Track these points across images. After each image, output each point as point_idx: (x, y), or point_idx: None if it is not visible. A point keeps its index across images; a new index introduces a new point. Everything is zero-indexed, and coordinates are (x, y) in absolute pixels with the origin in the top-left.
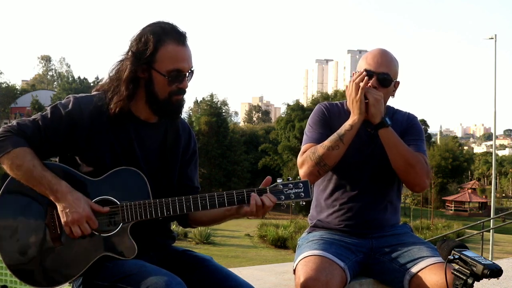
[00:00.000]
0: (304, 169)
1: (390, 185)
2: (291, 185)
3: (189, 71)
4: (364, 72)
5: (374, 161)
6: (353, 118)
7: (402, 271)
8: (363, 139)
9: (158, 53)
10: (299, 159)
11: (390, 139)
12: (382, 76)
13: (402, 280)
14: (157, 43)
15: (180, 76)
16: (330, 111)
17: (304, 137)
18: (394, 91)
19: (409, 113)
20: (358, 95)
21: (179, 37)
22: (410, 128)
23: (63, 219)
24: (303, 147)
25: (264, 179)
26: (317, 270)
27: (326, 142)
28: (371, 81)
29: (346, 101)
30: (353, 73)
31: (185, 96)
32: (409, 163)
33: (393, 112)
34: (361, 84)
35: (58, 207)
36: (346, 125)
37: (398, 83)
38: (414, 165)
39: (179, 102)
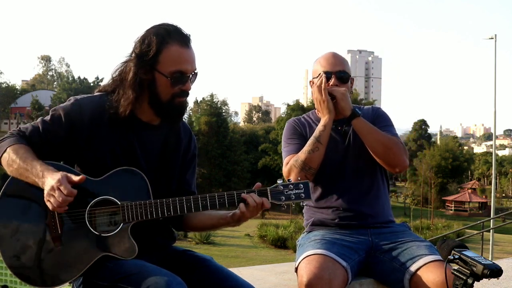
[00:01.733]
0: (292, 178)
1: (374, 176)
2: (292, 186)
3: (193, 73)
4: (323, 74)
5: (352, 156)
6: (324, 118)
7: (402, 271)
8: (337, 139)
9: (161, 54)
10: (285, 170)
11: (363, 127)
12: (339, 74)
13: (402, 279)
14: (160, 45)
15: (183, 78)
16: (300, 124)
17: (283, 153)
18: (352, 87)
19: (372, 106)
20: (323, 95)
21: (182, 39)
22: (377, 117)
23: (44, 198)
24: (285, 160)
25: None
26: (320, 268)
27: (305, 147)
28: (331, 81)
29: (314, 111)
30: (310, 81)
31: (188, 98)
32: (386, 146)
33: (358, 109)
34: (323, 85)
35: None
36: (320, 126)
37: (353, 79)
38: (391, 147)
39: (182, 104)
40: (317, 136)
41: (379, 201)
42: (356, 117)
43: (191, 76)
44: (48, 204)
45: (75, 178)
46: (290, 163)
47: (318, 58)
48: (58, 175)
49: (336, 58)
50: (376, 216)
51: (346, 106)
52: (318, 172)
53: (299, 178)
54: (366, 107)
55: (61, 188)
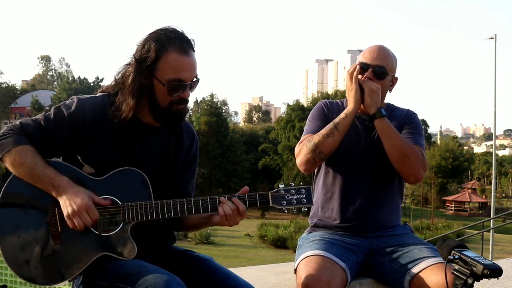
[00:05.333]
0: (300, 157)
1: (391, 181)
2: (293, 191)
3: (192, 80)
4: (359, 63)
5: (372, 155)
6: (348, 107)
7: (402, 272)
8: (361, 133)
9: (159, 61)
10: (296, 148)
11: (384, 129)
12: (377, 68)
13: (402, 281)
14: (159, 52)
15: (181, 86)
16: (330, 107)
17: (304, 131)
18: (392, 86)
19: (408, 109)
20: (353, 84)
21: (182, 46)
22: (408, 122)
23: (65, 213)
24: (301, 138)
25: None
26: (319, 269)
27: (322, 131)
28: (366, 73)
29: (346, 99)
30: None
31: (188, 104)
32: (404, 154)
33: (392, 109)
34: (354, 74)
35: (60, 202)
36: (342, 114)
37: (396, 78)
38: (409, 156)
39: (180, 111)
40: (336, 122)
41: (390, 206)
42: (380, 117)
43: (190, 84)
44: (69, 221)
45: (99, 200)
46: (303, 142)
47: (367, 47)
48: (83, 195)
49: (379, 52)
50: (382, 223)
51: (371, 103)
52: (334, 164)
53: (301, 183)
54: (401, 109)
55: (90, 212)
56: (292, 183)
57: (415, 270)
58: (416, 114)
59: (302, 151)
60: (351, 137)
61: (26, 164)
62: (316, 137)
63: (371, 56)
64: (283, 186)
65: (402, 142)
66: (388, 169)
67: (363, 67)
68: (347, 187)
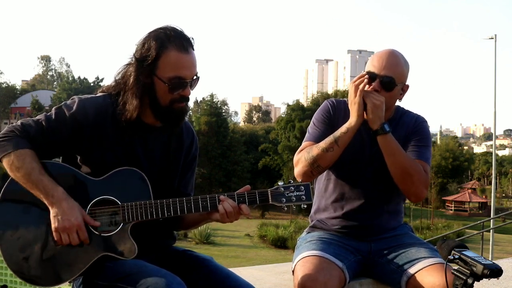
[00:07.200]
0: (298, 169)
1: (394, 188)
2: (293, 188)
3: (193, 78)
4: (365, 73)
5: (375, 163)
6: (350, 121)
7: (399, 272)
8: (365, 140)
9: (159, 60)
10: (295, 157)
11: (388, 146)
12: (385, 79)
13: (399, 281)
14: (159, 50)
15: (181, 84)
16: (336, 108)
17: (306, 134)
18: (402, 94)
19: (418, 115)
20: (356, 97)
21: (182, 44)
22: (416, 132)
23: (53, 225)
24: (302, 145)
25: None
26: (315, 270)
27: (322, 143)
28: (374, 84)
29: None
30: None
31: (188, 103)
32: (406, 172)
33: (401, 114)
34: (360, 87)
35: (51, 212)
36: (343, 127)
37: (407, 86)
38: (412, 174)
39: (181, 109)
40: (336, 136)
41: (391, 211)
42: (383, 133)
43: (190, 81)
44: (55, 234)
45: (91, 220)
46: (302, 153)
47: (376, 52)
48: (77, 214)
49: (388, 60)
50: (382, 226)
51: (374, 119)
52: (335, 170)
53: (300, 180)
54: (412, 114)
55: (80, 233)
56: (292, 181)
57: (411, 270)
58: (425, 122)
59: (300, 162)
60: (355, 145)
61: (22, 169)
62: (315, 150)
63: (380, 65)
64: (282, 183)
65: (406, 160)
66: (390, 177)
67: (371, 77)
68: (349, 194)
